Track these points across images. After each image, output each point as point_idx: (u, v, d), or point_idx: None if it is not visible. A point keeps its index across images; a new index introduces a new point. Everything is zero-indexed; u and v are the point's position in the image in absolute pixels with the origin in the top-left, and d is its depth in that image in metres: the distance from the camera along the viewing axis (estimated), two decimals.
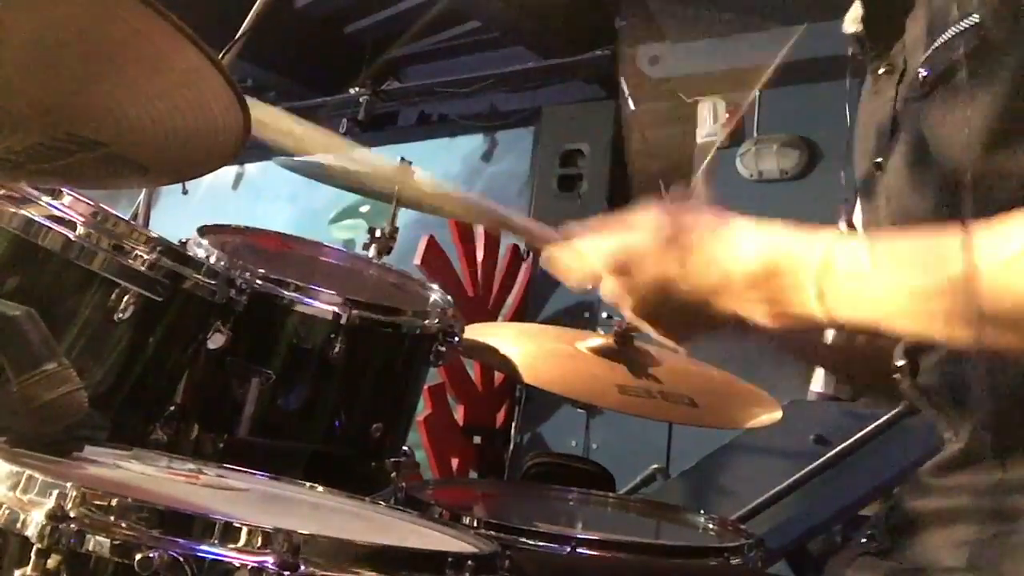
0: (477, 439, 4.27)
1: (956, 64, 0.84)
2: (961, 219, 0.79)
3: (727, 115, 4.07)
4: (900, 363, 0.99)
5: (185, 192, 5.04)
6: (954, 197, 0.85)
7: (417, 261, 3.95)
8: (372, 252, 2.28)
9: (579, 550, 1.26)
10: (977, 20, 0.82)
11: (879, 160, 0.98)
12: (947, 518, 0.90)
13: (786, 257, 0.84)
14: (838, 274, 0.81)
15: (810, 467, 2.58)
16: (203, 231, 1.68)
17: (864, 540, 0.99)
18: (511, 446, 4.31)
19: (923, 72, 0.88)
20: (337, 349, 1.57)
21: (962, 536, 0.87)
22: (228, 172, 6.16)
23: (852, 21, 1.06)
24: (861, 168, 1.07)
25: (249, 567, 0.74)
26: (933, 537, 0.90)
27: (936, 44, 0.87)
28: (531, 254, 4.58)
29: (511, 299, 4.48)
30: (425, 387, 3.25)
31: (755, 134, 4.00)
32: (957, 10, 0.84)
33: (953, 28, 0.84)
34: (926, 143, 0.88)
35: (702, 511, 1.69)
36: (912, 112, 0.91)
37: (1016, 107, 0.80)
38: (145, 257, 1.34)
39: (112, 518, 0.74)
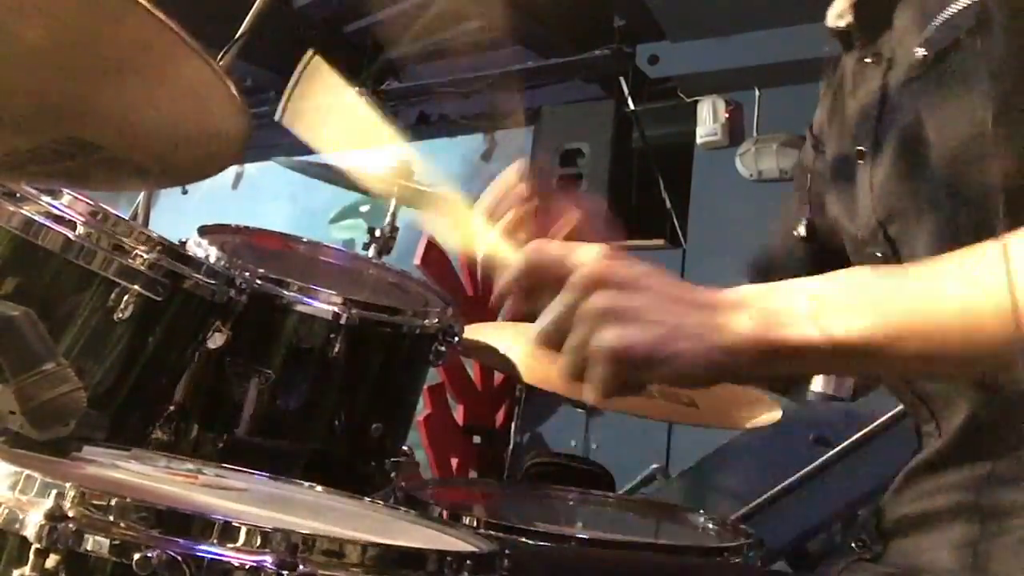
0: (477, 439, 4.26)
1: (956, 43, 0.83)
2: (960, 201, 0.79)
3: (726, 114, 4.07)
4: None
5: (185, 192, 5.06)
6: (949, 179, 0.85)
7: (417, 261, 3.95)
8: (372, 252, 2.28)
9: (579, 550, 1.26)
10: None
11: (861, 148, 0.98)
12: (937, 519, 0.89)
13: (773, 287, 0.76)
14: (843, 286, 0.74)
15: (810, 467, 2.59)
16: (203, 231, 1.68)
17: (854, 545, 0.98)
18: (511, 446, 4.30)
19: (920, 52, 0.88)
20: (337, 349, 1.57)
21: (955, 536, 0.86)
22: (228, 172, 6.14)
23: (836, 16, 1.06)
24: (835, 158, 1.06)
25: (247, 567, 0.74)
26: (925, 539, 0.90)
27: (935, 24, 0.86)
28: None
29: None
30: (425, 387, 3.25)
31: (754, 134, 4.00)
32: None
33: (952, 7, 0.84)
34: (921, 128, 0.88)
35: (702, 511, 1.69)
36: (907, 96, 0.91)
37: (1015, 86, 0.80)
38: (145, 257, 1.34)
39: (111, 518, 0.74)
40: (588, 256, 0.76)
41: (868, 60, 0.98)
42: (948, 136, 0.84)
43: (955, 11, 0.84)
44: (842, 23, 1.04)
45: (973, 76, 0.82)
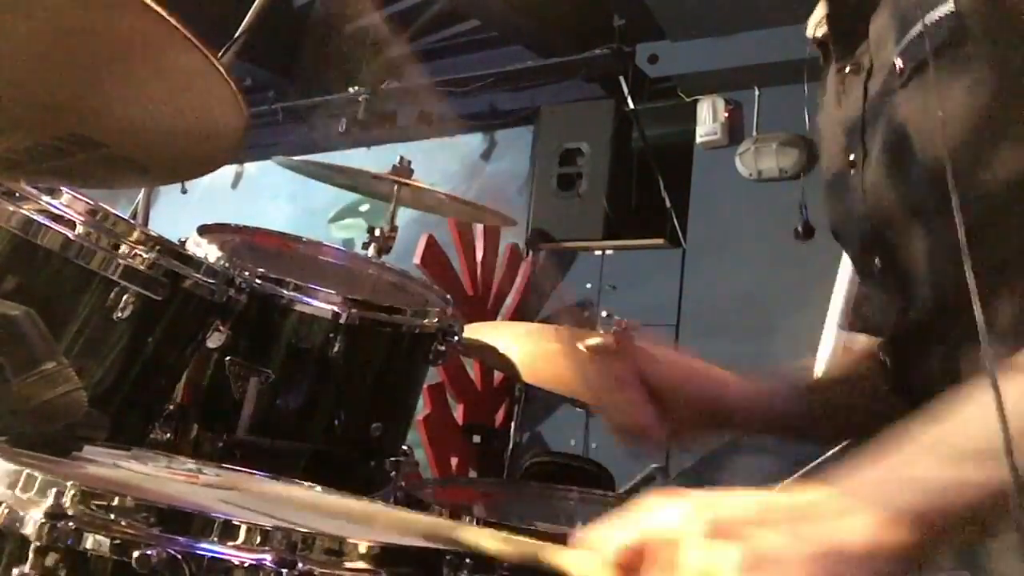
0: (477, 438, 4.27)
1: (935, 52, 0.83)
2: (944, 209, 0.79)
3: (726, 114, 4.07)
4: (887, 359, 0.99)
5: (184, 191, 5.07)
6: (936, 187, 0.85)
7: (416, 260, 3.95)
8: (372, 251, 2.28)
9: None
10: (952, 9, 0.82)
11: (851, 158, 0.98)
12: None
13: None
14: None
15: (810, 466, 2.58)
16: (202, 230, 1.68)
17: None
18: (511, 445, 4.30)
19: (899, 63, 0.88)
20: (336, 348, 1.57)
21: None
22: (227, 171, 6.16)
23: (815, 25, 1.06)
24: (829, 168, 1.07)
25: (247, 565, 0.74)
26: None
27: (911, 35, 0.86)
28: (531, 252, 4.58)
29: (510, 298, 4.48)
30: (425, 387, 3.25)
31: (754, 133, 4.00)
32: None
33: (929, 16, 0.84)
34: (904, 136, 0.88)
35: None
36: (889, 105, 0.91)
37: (995, 95, 0.80)
38: (144, 256, 1.34)
39: (111, 516, 0.74)
40: (673, 518, 0.64)
41: (848, 70, 0.98)
42: (932, 144, 0.84)
43: (932, 21, 0.83)
44: (820, 33, 1.05)
45: (953, 86, 0.82)
